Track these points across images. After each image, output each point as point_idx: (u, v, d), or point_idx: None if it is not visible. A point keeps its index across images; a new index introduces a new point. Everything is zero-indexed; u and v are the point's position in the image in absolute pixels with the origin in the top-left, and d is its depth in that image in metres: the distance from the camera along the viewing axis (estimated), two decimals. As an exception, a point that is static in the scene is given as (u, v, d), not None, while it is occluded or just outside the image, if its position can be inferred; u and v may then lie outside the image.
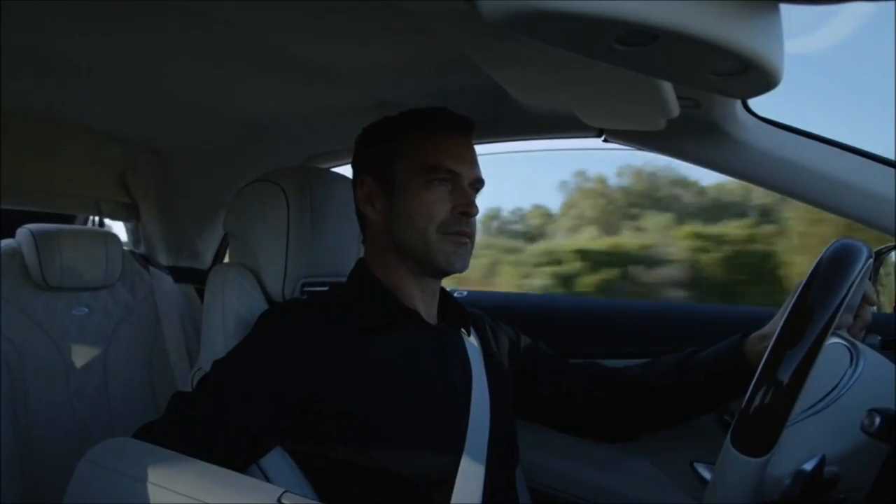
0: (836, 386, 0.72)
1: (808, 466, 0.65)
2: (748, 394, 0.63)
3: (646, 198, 4.12)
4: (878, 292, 1.10)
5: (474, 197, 0.89)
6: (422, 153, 0.87)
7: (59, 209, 1.55)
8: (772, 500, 0.66)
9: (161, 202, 1.66)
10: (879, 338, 0.86)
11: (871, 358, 0.75)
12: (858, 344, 0.76)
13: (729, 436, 0.63)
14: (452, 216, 0.86)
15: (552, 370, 1.01)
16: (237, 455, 0.77)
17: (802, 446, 0.67)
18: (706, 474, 1.10)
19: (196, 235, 1.71)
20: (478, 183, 0.90)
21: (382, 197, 0.89)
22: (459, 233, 0.86)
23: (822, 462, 0.65)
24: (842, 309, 0.64)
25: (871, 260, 0.70)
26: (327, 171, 1.02)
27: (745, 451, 0.62)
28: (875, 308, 0.83)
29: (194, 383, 0.85)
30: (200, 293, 1.56)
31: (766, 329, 0.86)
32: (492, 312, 1.07)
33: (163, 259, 1.68)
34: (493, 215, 4.33)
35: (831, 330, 0.63)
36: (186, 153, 1.59)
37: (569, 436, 1.07)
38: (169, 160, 1.61)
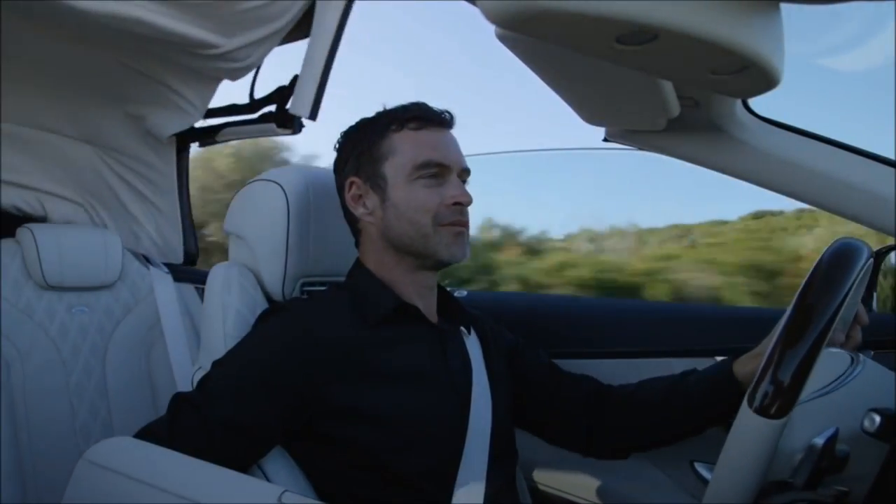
0: (840, 375, 0.72)
1: (821, 440, 0.64)
2: (765, 357, 0.63)
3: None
4: (876, 293, 1.11)
5: (464, 187, 0.90)
6: (410, 151, 0.88)
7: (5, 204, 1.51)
8: (783, 479, 0.66)
9: (105, 196, 1.65)
10: (872, 353, 0.87)
11: (871, 363, 0.75)
12: (857, 354, 0.77)
13: (746, 398, 0.63)
14: (447, 207, 0.87)
15: (550, 380, 1.01)
16: (238, 455, 0.77)
17: (816, 422, 0.68)
18: (706, 474, 1.10)
19: (150, 227, 1.72)
20: (465, 173, 0.91)
21: (372, 196, 0.90)
22: (456, 223, 0.87)
23: (835, 435, 0.65)
24: (843, 308, 0.64)
25: (872, 259, 0.70)
26: (327, 170, 1.02)
27: (761, 413, 0.61)
28: (867, 317, 0.84)
29: (194, 383, 0.85)
30: (201, 293, 1.56)
31: (756, 350, 0.86)
32: (490, 312, 1.07)
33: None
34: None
35: (833, 328, 0.63)
36: (117, 142, 1.58)
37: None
38: (102, 149, 1.60)
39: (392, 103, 0.93)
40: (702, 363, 1.12)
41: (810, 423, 0.67)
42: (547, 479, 1.26)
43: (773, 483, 0.70)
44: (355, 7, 1.29)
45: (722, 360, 0.90)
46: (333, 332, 0.82)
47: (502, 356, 0.99)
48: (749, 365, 0.85)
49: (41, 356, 1.33)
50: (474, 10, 0.47)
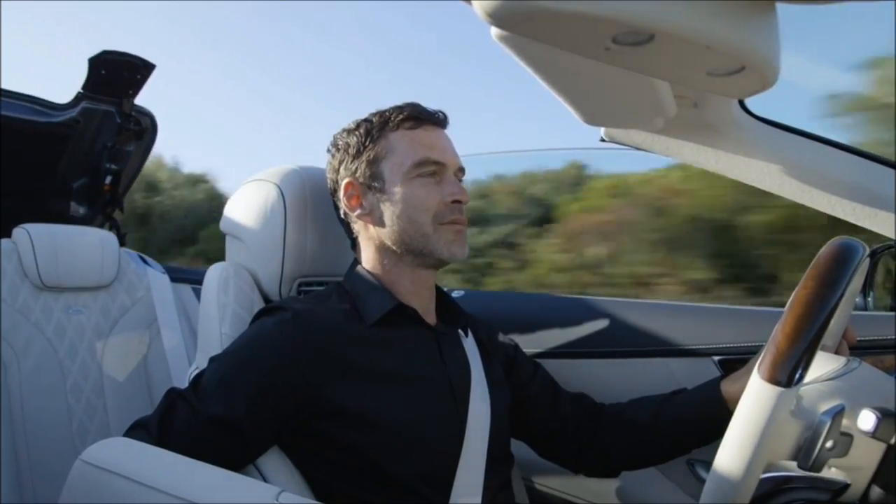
0: (839, 367, 0.73)
1: (827, 417, 0.65)
2: (776, 328, 0.64)
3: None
4: (872, 292, 1.11)
5: (461, 185, 0.91)
6: (407, 150, 0.88)
7: None
8: (787, 459, 0.66)
9: None
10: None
11: (867, 366, 0.76)
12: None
13: (756, 367, 0.63)
14: (445, 206, 0.87)
15: (545, 394, 1.01)
16: (231, 453, 0.77)
17: (822, 401, 0.68)
18: (705, 474, 1.10)
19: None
20: (461, 172, 0.92)
21: (370, 196, 0.89)
22: (455, 221, 0.88)
23: (841, 412, 0.65)
24: (839, 306, 0.64)
25: (868, 258, 0.70)
26: (323, 170, 1.02)
27: (769, 380, 0.61)
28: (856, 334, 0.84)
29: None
30: (198, 293, 1.56)
31: (744, 369, 0.87)
32: (486, 311, 1.07)
33: None
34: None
35: (828, 327, 0.63)
36: None
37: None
38: None
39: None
40: (700, 363, 1.13)
41: (817, 402, 0.68)
42: (545, 479, 1.26)
43: (773, 481, 0.70)
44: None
45: (708, 382, 0.91)
46: (330, 332, 0.82)
47: (500, 361, 0.99)
48: (737, 384, 0.86)
49: (38, 357, 1.33)
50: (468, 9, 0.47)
